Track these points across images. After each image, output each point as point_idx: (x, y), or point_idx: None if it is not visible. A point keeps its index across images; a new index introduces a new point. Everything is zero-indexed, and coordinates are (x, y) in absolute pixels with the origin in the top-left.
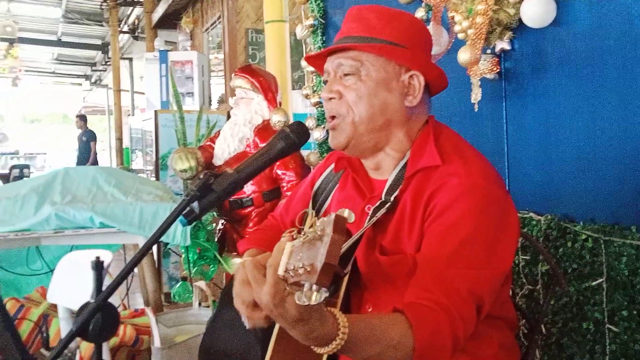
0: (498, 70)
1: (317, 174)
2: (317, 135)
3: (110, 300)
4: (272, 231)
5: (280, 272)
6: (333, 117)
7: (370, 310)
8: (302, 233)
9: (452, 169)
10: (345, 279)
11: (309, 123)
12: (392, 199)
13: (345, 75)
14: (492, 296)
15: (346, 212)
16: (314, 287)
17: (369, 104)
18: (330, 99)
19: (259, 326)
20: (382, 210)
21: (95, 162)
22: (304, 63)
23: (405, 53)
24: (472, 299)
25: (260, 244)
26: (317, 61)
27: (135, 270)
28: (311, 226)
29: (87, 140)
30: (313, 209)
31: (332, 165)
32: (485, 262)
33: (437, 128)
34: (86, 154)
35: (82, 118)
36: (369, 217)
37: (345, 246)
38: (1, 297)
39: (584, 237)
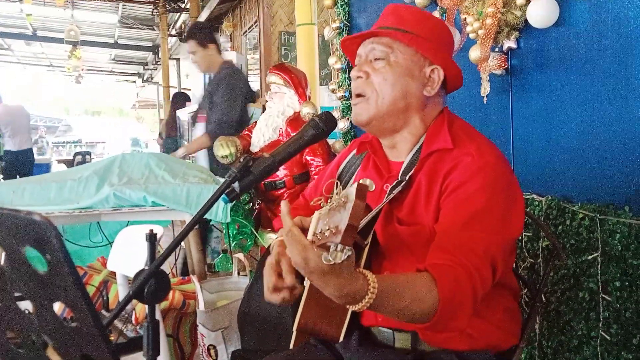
0: (505, 66)
1: (342, 158)
2: (341, 125)
3: (162, 269)
4: (302, 210)
5: (310, 236)
6: (358, 95)
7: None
8: (329, 201)
9: (465, 150)
10: (366, 249)
11: (335, 114)
12: (407, 178)
13: (376, 59)
14: (504, 260)
15: (368, 181)
16: (339, 246)
17: (393, 88)
18: (359, 77)
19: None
20: (398, 188)
21: None
22: (331, 61)
23: (431, 47)
24: (488, 259)
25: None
26: (351, 46)
27: (183, 244)
28: (337, 194)
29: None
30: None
31: (355, 150)
32: (498, 228)
33: (450, 117)
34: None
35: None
36: (387, 194)
37: (365, 220)
38: (73, 262)
39: (581, 216)
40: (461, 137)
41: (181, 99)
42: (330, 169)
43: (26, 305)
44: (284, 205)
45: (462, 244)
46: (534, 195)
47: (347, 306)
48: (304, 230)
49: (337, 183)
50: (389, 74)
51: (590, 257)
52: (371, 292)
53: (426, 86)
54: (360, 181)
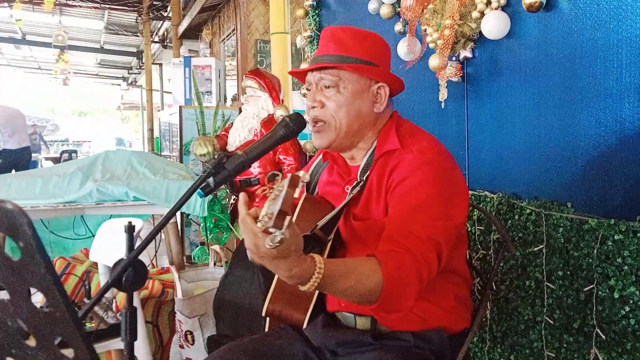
0: (461, 74)
1: (311, 163)
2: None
3: (141, 259)
4: None
5: (259, 223)
6: (316, 122)
7: None
8: (272, 190)
9: (407, 150)
10: (329, 244)
11: (306, 116)
12: (364, 178)
13: (326, 87)
14: (449, 245)
15: (301, 173)
16: (275, 231)
17: (347, 112)
18: (314, 107)
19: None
20: (357, 188)
21: None
22: (303, 67)
23: (375, 70)
24: (431, 243)
25: None
26: (300, 75)
27: (163, 236)
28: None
29: None
30: (307, 190)
31: (321, 156)
32: (440, 215)
33: (398, 121)
34: None
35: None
36: (348, 194)
37: (327, 218)
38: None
39: (528, 211)
40: (405, 138)
41: None
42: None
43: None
44: (241, 197)
45: (406, 232)
46: (487, 192)
47: (298, 286)
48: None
49: (278, 175)
50: (341, 100)
51: (536, 249)
52: (317, 273)
53: (375, 103)
54: (295, 173)
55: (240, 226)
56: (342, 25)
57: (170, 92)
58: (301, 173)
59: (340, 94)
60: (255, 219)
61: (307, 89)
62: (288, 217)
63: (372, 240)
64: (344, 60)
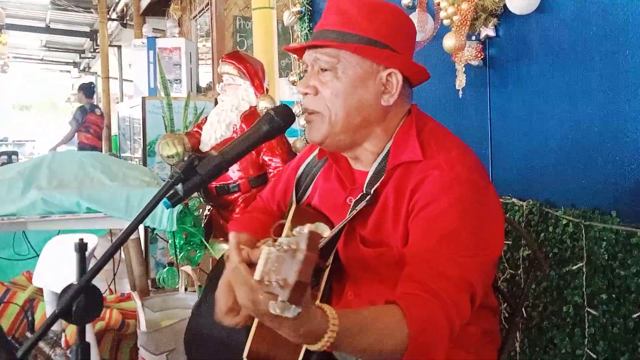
0: (482, 56)
1: (300, 160)
2: (303, 122)
3: (96, 284)
4: (261, 214)
5: (257, 276)
6: (311, 112)
7: (351, 298)
8: (278, 242)
9: (433, 162)
10: (327, 272)
11: (296, 110)
12: (372, 191)
13: (322, 70)
14: (483, 284)
15: (321, 227)
16: (286, 303)
17: (345, 103)
18: (306, 93)
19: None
20: (363, 203)
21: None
22: None
23: (383, 52)
24: (464, 286)
25: (249, 228)
26: (299, 53)
27: (123, 255)
28: (289, 235)
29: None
30: (296, 195)
31: (316, 152)
32: (473, 250)
33: (419, 120)
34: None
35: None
36: (350, 209)
37: (326, 239)
38: None
39: (564, 222)
40: (430, 146)
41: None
42: (288, 172)
43: None
44: (232, 238)
45: (434, 270)
46: (514, 200)
47: (305, 346)
48: (252, 266)
49: (289, 221)
50: (338, 87)
51: (574, 268)
52: (331, 330)
53: (384, 94)
54: (313, 226)
55: (231, 275)
56: None
57: (131, 81)
58: (321, 227)
59: (338, 80)
60: (250, 264)
61: (304, 71)
62: (307, 291)
63: (385, 271)
64: (345, 38)
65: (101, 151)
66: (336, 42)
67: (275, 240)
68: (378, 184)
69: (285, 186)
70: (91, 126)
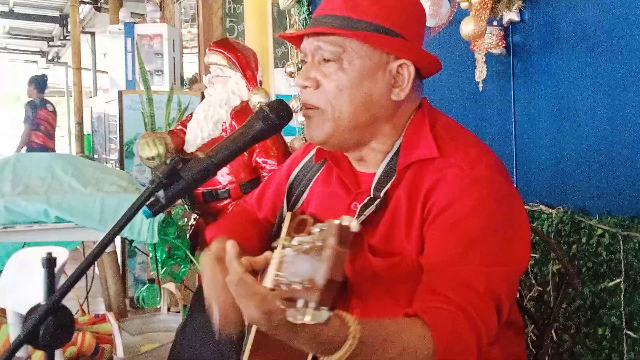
0: (505, 44)
1: (294, 163)
2: (301, 118)
3: (66, 303)
4: (244, 217)
5: (269, 284)
6: (310, 108)
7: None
8: (296, 241)
9: (450, 160)
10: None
11: (293, 105)
12: (382, 194)
13: (325, 60)
14: (511, 296)
15: (347, 219)
16: (311, 304)
17: (351, 98)
18: (306, 86)
19: (229, 334)
20: (372, 208)
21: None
22: None
23: (394, 41)
24: (490, 298)
25: (230, 232)
26: (295, 41)
27: (97, 271)
28: (308, 233)
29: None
30: (287, 204)
31: (312, 153)
32: (499, 259)
33: (431, 114)
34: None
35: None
36: (356, 215)
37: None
38: None
39: (600, 232)
40: (446, 142)
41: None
42: (278, 177)
43: None
44: (230, 247)
45: (457, 281)
46: (542, 207)
47: (321, 357)
48: (254, 275)
49: (310, 220)
50: (344, 80)
51: (611, 284)
52: (352, 337)
53: (394, 87)
54: (342, 219)
55: (235, 289)
56: None
57: (106, 72)
58: (347, 219)
59: (344, 72)
60: (253, 272)
61: (302, 61)
62: (339, 291)
63: (398, 284)
64: (352, 25)
65: (53, 152)
66: (344, 29)
67: (289, 242)
68: (388, 186)
69: (275, 193)
70: (41, 123)
